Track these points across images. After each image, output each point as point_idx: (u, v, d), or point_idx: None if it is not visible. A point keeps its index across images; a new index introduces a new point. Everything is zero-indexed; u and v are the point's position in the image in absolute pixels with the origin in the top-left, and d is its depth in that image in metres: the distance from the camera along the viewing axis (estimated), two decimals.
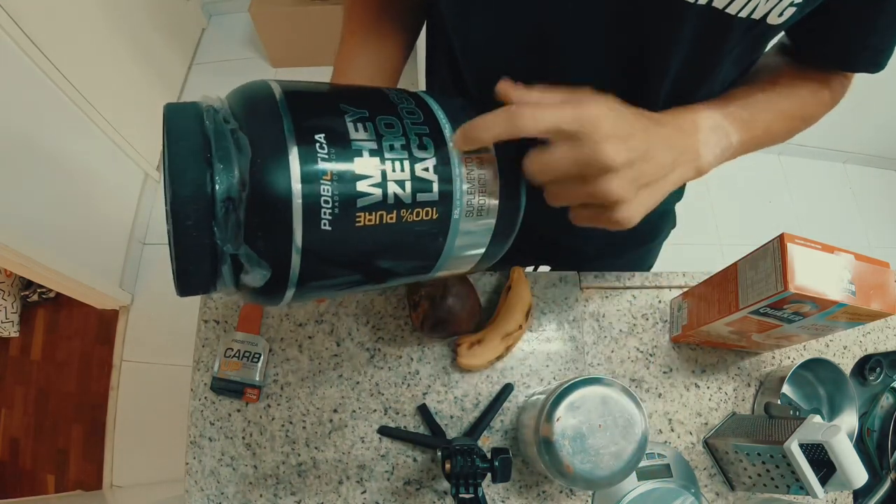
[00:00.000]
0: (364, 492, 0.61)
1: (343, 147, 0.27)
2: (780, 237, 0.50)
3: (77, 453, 1.64)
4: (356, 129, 0.28)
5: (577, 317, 0.69)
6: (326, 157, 0.26)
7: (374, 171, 0.28)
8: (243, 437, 0.63)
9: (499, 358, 0.64)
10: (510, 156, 0.34)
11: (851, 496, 0.65)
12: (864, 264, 0.51)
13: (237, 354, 0.64)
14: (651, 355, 0.68)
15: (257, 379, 0.63)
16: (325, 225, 0.26)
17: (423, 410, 0.63)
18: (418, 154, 0.30)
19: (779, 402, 0.62)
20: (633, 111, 0.37)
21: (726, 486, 0.64)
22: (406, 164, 0.29)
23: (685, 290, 0.67)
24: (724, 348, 0.68)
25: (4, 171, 1.29)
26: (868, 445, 0.67)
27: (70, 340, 1.76)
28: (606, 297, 0.70)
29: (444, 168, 0.30)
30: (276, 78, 0.30)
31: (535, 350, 0.67)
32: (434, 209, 0.30)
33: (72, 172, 1.53)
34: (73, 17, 1.52)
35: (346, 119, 0.28)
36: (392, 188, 0.28)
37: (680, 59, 0.41)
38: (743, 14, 0.37)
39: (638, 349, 0.68)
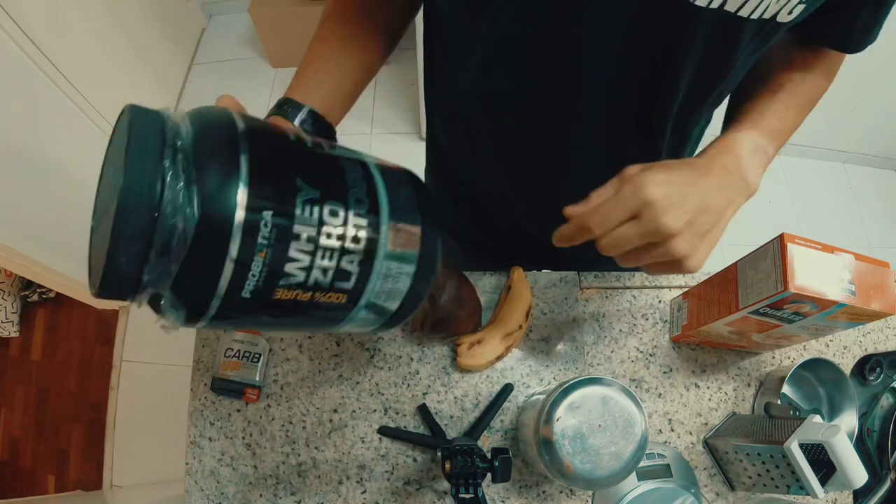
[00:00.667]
0: (364, 492, 0.61)
1: (285, 230, 0.28)
2: (780, 237, 0.50)
3: (77, 453, 1.64)
4: (302, 212, 0.28)
5: (577, 317, 0.69)
6: (267, 238, 0.27)
7: (305, 256, 0.29)
8: (243, 437, 0.63)
9: (499, 358, 0.64)
10: (432, 251, 0.35)
11: (851, 496, 0.65)
12: (864, 264, 0.51)
13: (237, 354, 0.64)
14: (651, 355, 0.68)
15: (257, 379, 0.63)
16: (245, 294, 0.28)
17: (423, 410, 0.63)
18: (350, 246, 0.30)
19: (779, 402, 0.62)
20: (680, 169, 0.39)
21: (726, 486, 0.64)
22: (336, 255, 0.30)
23: (685, 290, 0.67)
24: (724, 348, 0.68)
25: (5, 171, 1.29)
26: (868, 445, 0.67)
27: (70, 340, 1.76)
28: (606, 297, 0.70)
29: (367, 264, 0.31)
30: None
31: (535, 350, 0.67)
32: (345, 296, 0.32)
33: (72, 172, 1.52)
34: (73, 18, 1.52)
35: (298, 199, 0.28)
36: (315, 274, 0.29)
37: (694, 63, 0.42)
38: (755, 15, 0.37)
39: (638, 349, 0.68)
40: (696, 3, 0.36)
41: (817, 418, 0.54)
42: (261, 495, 0.61)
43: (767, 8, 0.36)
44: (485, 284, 0.69)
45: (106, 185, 0.29)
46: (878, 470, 0.66)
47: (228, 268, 0.26)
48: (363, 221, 0.31)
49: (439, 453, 0.52)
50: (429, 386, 0.65)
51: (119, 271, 0.25)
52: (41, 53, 1.37)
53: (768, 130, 0.46)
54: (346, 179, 0.31)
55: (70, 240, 1.50)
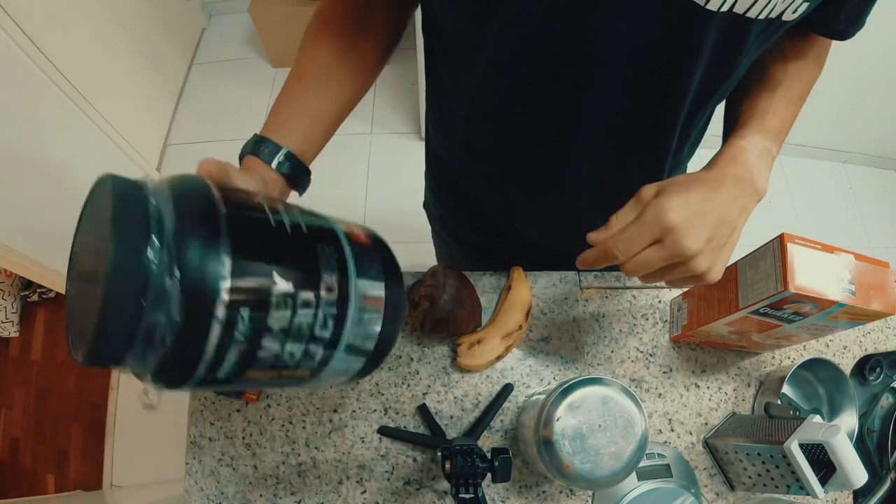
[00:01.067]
0: (364, 492, 0.61)
1: (260, 325, 0.29)
2: (780, 237, 0.50)
3: (77, 453, 1.64)
4: (277, 307, 0.30)
5: (577, 317, 0.69)
6: (243, 333, 0.29)
7: (275, 345, 0.30)
8: (243, 437, 0.63)
9: (499, 358, 0.64)
10: (393, 325, 0.36)
11: (851, 496, 0.65)
12: (864, 264, 0.51)
13: None
14: (651, 355, 0.68)
15: None
16: (220, 375, 0.30)
17: (423, 410, 0.63)
18: (318, 333, 0.32)
19: (779, 402, 0.62)
20: (695, 189, 0.41)
21: (726, 486, 0.64)
22: (303, 342, 0.32)
23: (685, 290, 0.67)
24: (724, 348, 0.68)
25: (5, 171, 1.29)
26: (868, 445, 0.67)
27: None
28: (606, 297, 0.70)
29: (330, 348, 0.33)
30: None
31: (535, 350, 0.67)
32: (310, 372, 0.34)
33: (72, 172, 1.52)
34: (74, 18, 1.52)
35: (273, 292, 0.29)
36: (284, 358, 0.31)
37: (703, 65, 0.42)
38: (762, 16, 0.37)
39: (638, 349, 0.68)
40: (708, 6, 0.36)
41: (817, 418, 0.54)
42: (261, 495, 0.61)
43: (774, 8, 0.37)
44: (485, 284, 0.69)
45: (85, 253, 0.31)
46: (878, 470, 0.66)
47: (206, 359, 0.28)
48: (332, 311, 0.32)
49: (439, 453, 0.52)
50: (429, 386, 0.65)
51: (102, 354, 0.28)
52: (41, 53, 1.37)
53: (771, 132, 0.47)
54: (319, 265, 0.32)
55: (69, 240, 1.50)
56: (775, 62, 0.50)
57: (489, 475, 0.50)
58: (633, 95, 0.46)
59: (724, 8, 0.37)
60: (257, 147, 0.46)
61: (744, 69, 0.47)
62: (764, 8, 0.37)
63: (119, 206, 0.27)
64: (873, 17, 0.46)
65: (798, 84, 0.50)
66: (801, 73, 0.50)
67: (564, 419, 0.50)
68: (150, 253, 0.26)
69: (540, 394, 0.60)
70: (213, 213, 0.29)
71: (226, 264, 0.28)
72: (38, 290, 1.75)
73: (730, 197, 0.42)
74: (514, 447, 0.63)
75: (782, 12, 0.38)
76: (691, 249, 0.39)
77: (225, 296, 0.27)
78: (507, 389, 0.64)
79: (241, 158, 0.47)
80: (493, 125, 0.54)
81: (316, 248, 0.33)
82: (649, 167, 0.55)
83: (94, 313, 0.26)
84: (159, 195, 0.29)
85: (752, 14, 0.37)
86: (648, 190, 0.42)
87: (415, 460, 0.62)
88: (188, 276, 0.27)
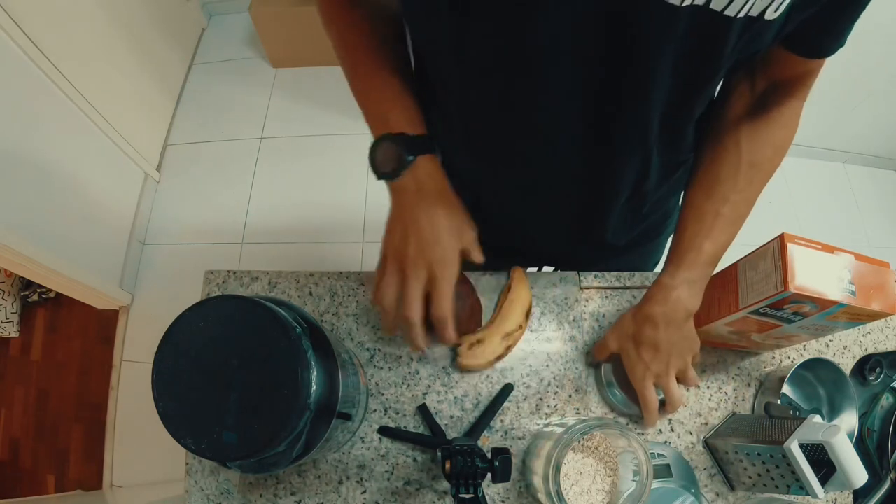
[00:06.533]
0: (364, 492, 0.61)
1: None
2: (780, 237, 0.50)
3: (77, 453, 1.64)
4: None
5: (577, 317, 0.69)
6: None
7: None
8: None
9: (499, 358, 0.64)
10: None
11: (851, 496, 0.65)
12: (864, 264, 0.51)
13: None
14: None
15: None
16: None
17: (423, 410, 0.63)
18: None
19: (779, 402, 0.62)
20: (649, 345, 0.56)
21: (726, 486, 0.64)
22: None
23: None
24: (724, 348, 0.68)
25: (5, 171, 1.29)
26: (868, 445, 0.67)
27: (70, 340, 1.76)
28: (606, 297, 0.70)
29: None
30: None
31: (535, 350, 0.67)
32: None
33: (72, 172, 1.53)
34: (74, 18, 1.52)
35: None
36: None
37: (671, 63, 0.40)
38: (741, 14, 0.36)
39: None
40: (671, 1, 0.35)
41: (817, 418, 0.54)
42: (261, 495, 0.61)
43: (754, 5, 0.36)
44: (485, 284, 0.69)
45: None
46: (878, 470, 0.66)
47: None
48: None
49: (439, 453, 0.52)
50: (429, 386, 0.65)
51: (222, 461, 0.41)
52: (41, 53, 1.37)
53: (706, 262, 0.54)
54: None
55: (70, 240, 1.50)
56: (727, 167, 0.53)
57: (489, 475, 0.50)
58: (588, 89, 0.44)
59: (694, 2, 0.35)
60: (428, 146, 0.53)
61: (723, 76, 0.46)
62: (743, 6, 0.35)
63: None
64: (873, 18, 0.46)
65: (748, 193, 0.54)
66: (752, 179, 0.54)
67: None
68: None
69: (557, 425, 0.59)
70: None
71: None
72: (38, 290, 1.75)
73: (667, 334, 0.55)
74: (521, 461, 0.63)
75: (764, 10, 0.37)
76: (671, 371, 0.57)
77: None
78: (507, 389, 0.64)
79: (410, 158, 0.52)
80: (473, 124, 0.54)
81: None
82: (636, 165, 0.54)
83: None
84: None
85: (730, 12, 0.36)
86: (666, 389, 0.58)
87: (415, 460, 0.62)
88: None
